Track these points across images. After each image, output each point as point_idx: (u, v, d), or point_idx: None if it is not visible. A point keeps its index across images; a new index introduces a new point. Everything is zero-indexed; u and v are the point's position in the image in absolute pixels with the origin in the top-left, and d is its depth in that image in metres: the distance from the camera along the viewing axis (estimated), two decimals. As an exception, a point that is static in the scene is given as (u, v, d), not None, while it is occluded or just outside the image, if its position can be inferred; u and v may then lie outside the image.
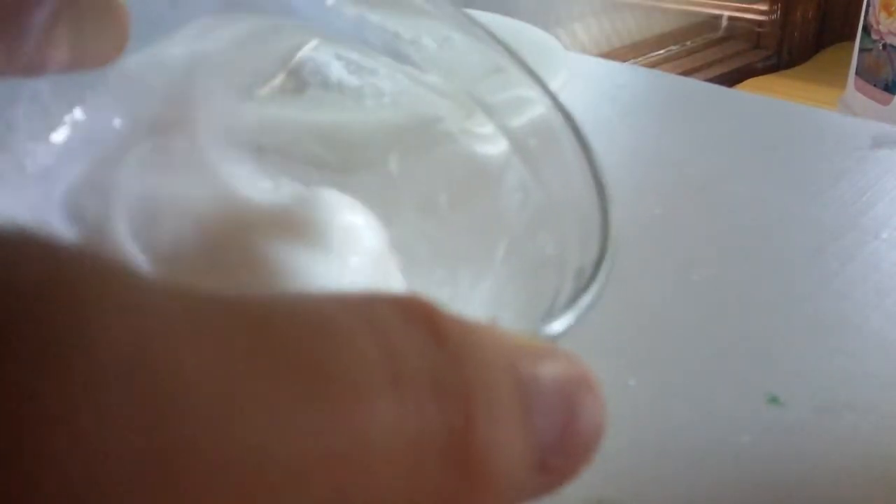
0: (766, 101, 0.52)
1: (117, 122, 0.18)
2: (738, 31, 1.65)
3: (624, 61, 1.18)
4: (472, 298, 0.18)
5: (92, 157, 0.18)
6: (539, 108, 0.19)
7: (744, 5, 1.62)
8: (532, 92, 0.19)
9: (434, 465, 0.10)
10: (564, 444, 0.12)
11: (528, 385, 0.11)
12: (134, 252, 0.15)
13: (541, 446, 0.11)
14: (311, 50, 0.22)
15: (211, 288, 0.10)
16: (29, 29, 0.16)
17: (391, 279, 0.18)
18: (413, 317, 0.10)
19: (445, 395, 0.10)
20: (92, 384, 0.08)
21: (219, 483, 0.09)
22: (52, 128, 0.18)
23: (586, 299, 0.15)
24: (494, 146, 0.20)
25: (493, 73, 0.17)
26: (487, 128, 0.20)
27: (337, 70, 0.23)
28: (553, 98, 0.19)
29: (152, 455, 0.09)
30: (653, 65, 1.41)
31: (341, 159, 0.21)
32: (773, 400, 0.26)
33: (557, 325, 0.15)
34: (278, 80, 0.22)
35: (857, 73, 1.22)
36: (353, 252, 0.17)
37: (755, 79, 1.53)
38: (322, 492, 0.10)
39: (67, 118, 0.18)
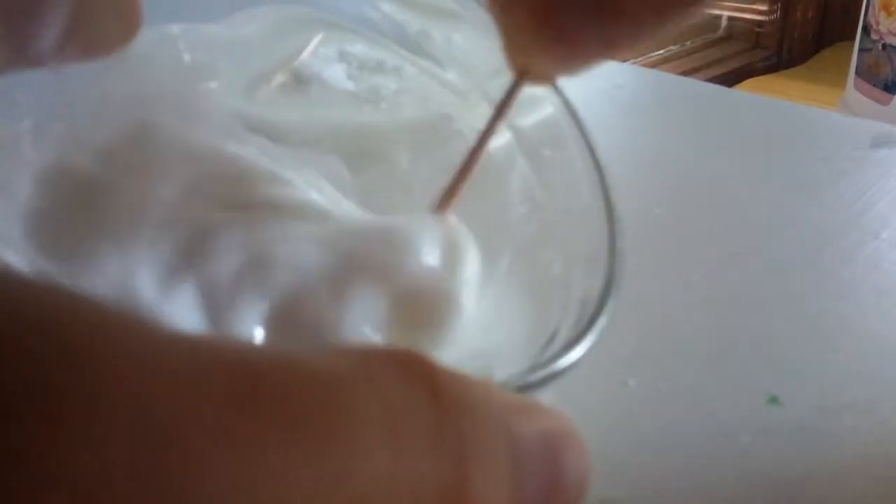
0: (765, 101, 0.52)
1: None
2: (737, 31, 1.65)
3: (623, 61, 1.18)
4: (478, 303, 0.18)
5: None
6: (548, 107, 0.19)
7: (743, 5, 1.62)
8: (542, 91, 0.19)
9: None
10: (551, 498, 0.12)
11: (518, 442, 0.12)
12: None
13: (529, 500, 0.12)
14: (314, 49, 0.22)
15: (214, 340, 0.10)
16: (45, 22, 0.16)
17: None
18: (411, 373, 0.11)
19: (442, 450, 0.10)
20: (95, 441, 0.08)
21: None
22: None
23: (588, 339, 0.15)
24: (502, 140, 0.20)
25: (502, 70, 0.17)
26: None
27: (338, 72, 0.23)
28: (562, 97, 0.19)
29: None
30: (652, 65, 1.41)
31: (352, 158, 0.21)
32: (773, 400, 0.26)
33: (563, 362, 0.15)
34: (280, 78, 0.22)
35: (856, 73, 1.22)
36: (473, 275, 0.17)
37: (755, 79, 1.53)
38: None
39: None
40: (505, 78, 0.17)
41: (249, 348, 0.10)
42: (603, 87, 0.52)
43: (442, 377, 0.11)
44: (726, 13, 1.64)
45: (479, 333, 0.17)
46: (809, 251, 0.34)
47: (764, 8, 1.61)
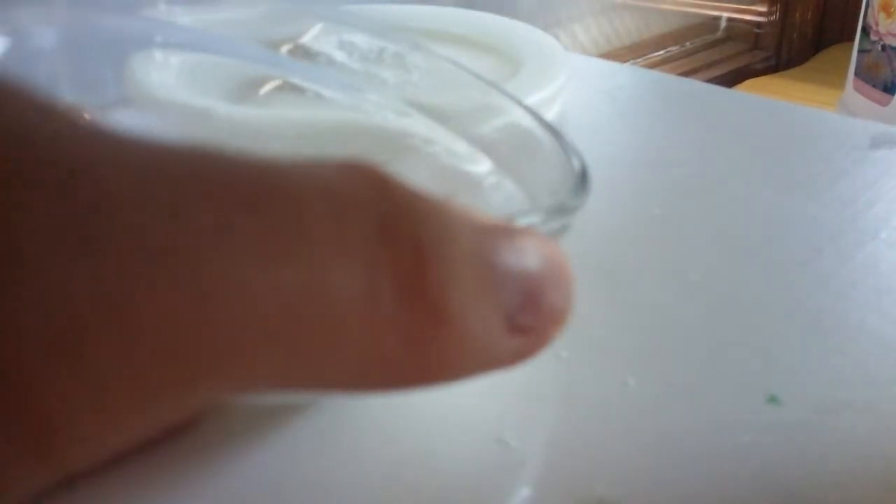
0: (765, 101, 0.52)
1: None
2: (737, 32, 1.65)
3: (623, 62, 1.18)
4: None
5: None
6: (506, 115, 0.19)
7: (743, 6, 1.62)
8: (496, 99, 0.19)
9: (390, 304, 0.11)
10: (534, 301, 0.12)
11: (491, 245, 0.12)
12: None
13: (508, 303, 0.12)
14: (315, 35, 0.22)
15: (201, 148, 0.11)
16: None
17: None
18: (362, 177, 0.11)
19: (393, 240, 0.11)
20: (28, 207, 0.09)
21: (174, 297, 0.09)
22: None
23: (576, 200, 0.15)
24: (473, 165, 0.20)
25: (459, 88, 0.17)
26: (459, 145, 0.20)
27: (338, 58, 0.23)
28: (502, 91, 0.19)
29: (85, 262, 0.09)
30: (652, 66, 1.41)
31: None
32: (773, 399, 0.26)
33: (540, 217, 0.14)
34: (287, 48, 0.22)
35: (856, 73, 1.22)
36: None
37: (754, 79, 1.53)
38: (283, 340, 0.10)
39: None
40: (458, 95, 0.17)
41: (234, 157, 0.11)
42: (602, 88, 0.52)
43: (392, 181, 0.11)
44: (725, 14, 1.64)
45: None
46: (808, 251, 0.34)
47: (763, 9, 1.61)
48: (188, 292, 0.09)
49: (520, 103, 0.19)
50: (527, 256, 0.12)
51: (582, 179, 0.16)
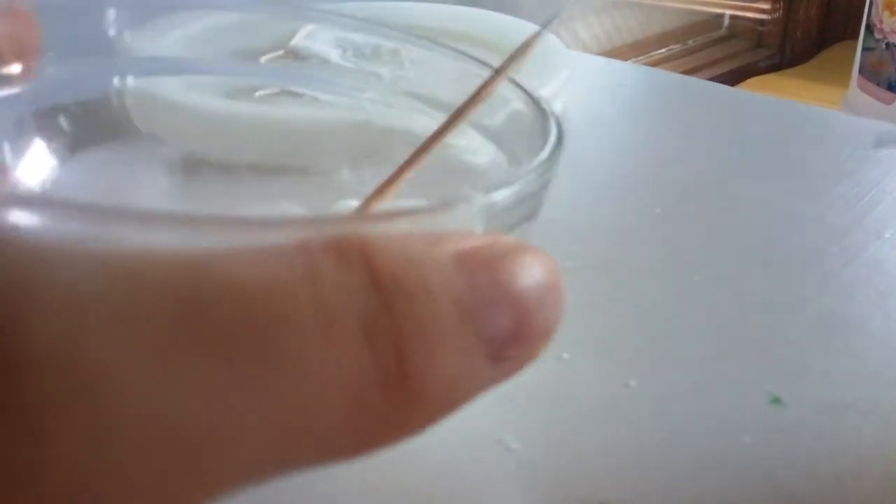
0: (768, 100, 0.52)
1: None
2: (740, 30, 1.65)
3: (625, 60, 1.18)
4: None
5: None
6: (514, 103, 0.19)
7: (746, 4, 1.61)
8: (504, 90, 0.19)
9: (374, 400, 0.10)
10: (519, 335, 0.12)
11: (470, 294, 0.11)
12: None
13: (493, 346, 0.11)
14: (309, 33, 0.22)
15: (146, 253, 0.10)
16: None
17: None
18: (347, 260, 0.11)
19: (376, 337, 0.10)
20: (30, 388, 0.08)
21: (157, 449, 0.09)
22: None
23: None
24: (475, 155, 0.20)
25: (459, 78, 0.17)
26: (463, 136, 0.20)
27: (333, 56, 0.23)
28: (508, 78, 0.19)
29: (90, 435, 0.09)
30: (654, 63, 1.41)
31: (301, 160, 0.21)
32: (776, 400, 0.26)
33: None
34: (278, 53, 0.22)
35: (859, 72, 1.21)
36: None
37: (757, 78, 1.52)
38: (269, 451, 0.10)
39: None
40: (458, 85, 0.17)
41: (184, 255, 0.10)
42: (604, 86, 0.52)
43: (379, 252, 0.11)
44: (728, 12, 1.63)
45: None
46: (812, 251, 0.34)
47: (766, 7, 1.61)
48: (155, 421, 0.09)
49: (519, 87, 0.18)
50: (511, 281, 0.12)
51: (557, 135, 0.16)
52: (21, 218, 0.10)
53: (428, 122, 0.17)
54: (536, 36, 0.17)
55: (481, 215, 0.13)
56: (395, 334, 0.11)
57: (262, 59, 0.22)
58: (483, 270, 0.12)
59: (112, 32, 0.20)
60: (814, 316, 0.30)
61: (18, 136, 0.18)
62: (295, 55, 0.22)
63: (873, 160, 0.42)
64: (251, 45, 0.22)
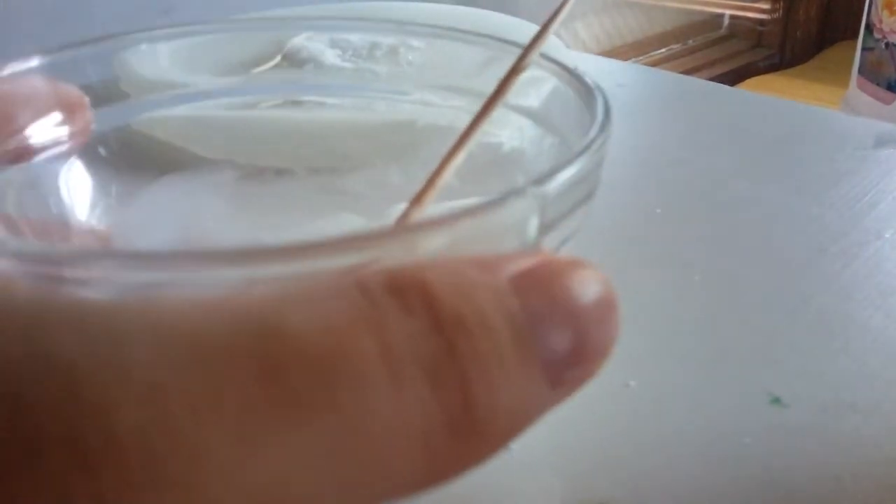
0: (768, 100, 0.52)
1: None
2: (740, 30, 1.65)
3: (625, 60, 1.18)
4: None
5: None
6: (547, 83, 0.19)
7: (746, 4, 1.61)
8: (536, 71, 0.18)
9: (444, 440, 0.11)
10: (578, 356, 0.12)
11: (528, 320, 0.11)
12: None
13: (552, 370, 0.12)
14: (306, 38, 0.22)
15: (199, 302, 0.10)
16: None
17: None
18: (408, 304, 0.11)
19: (441, 381, 0.11)
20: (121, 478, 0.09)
21: None
22: None
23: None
24: (501, 136, 0.20)
25: (486, 65, 0.17)
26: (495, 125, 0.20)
27: (331, 56, 0.23)
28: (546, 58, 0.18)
29: None
30: (654, 63, 1.41)
31: (331, 162, 0.21)
32: (776, 401, 0.26)
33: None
34: (275, 61, 0.22)
35: (859, 72, 1.21)
36: None
37: (757, 78, 1.52)
38: (348, 499, 0.10)
39: None
40: (489, 72, 0.17)
41: (249, 316, 0.10)
42: (604, 86, 0.52)
43: (438, 292, 0.11)
44: (728, 12, 1.63)
45: None
46: (812, 251, 0.34)
47: (766, 6, 1.61)
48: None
49: (555, 62, 0.18)
50: (567, 299, 0.12)
51: (604, 108, 0.16)
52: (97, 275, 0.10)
53: (466, 117, 0.17)
54: (556, 14, 0.17)
55: (537, 206, 0.13)
56: (460, 377, 0.11)
57: (264, 67, 0.22)
58: (540, 292, 0.12)
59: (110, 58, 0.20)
60: (814, 316, 0.30)
61: (72, 189, 0.18)
62: (291, 60, 0.22)
63: (873, 160, 0.42)
64: (247, 55, 0.22)
